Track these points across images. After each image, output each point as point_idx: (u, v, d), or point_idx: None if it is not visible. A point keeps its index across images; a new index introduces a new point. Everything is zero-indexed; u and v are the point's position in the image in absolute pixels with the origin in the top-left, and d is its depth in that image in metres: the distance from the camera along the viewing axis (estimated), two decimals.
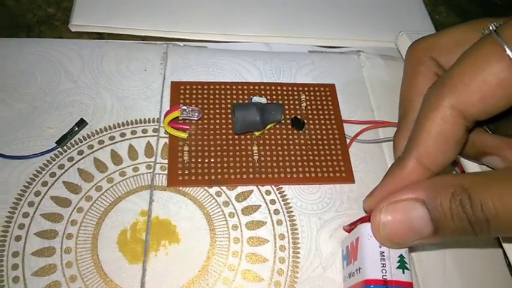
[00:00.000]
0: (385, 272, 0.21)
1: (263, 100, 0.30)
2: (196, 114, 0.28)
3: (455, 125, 0.20)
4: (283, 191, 0.28)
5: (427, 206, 0.19)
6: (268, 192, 0.28)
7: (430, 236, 0.20)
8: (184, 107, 0.28)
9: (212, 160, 0.28)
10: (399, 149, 0.25)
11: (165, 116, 0.28)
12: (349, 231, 0.27)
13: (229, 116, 0.30)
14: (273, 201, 0.28)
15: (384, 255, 0.21)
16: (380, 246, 0.21)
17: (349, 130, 0.31)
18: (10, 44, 0.32)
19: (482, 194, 0.18)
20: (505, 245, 0.26)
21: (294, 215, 0.27)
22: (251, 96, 0.31)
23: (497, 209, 0.18)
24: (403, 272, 0.21)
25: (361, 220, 0.25)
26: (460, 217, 0.19)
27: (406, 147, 0.22)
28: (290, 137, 0.30)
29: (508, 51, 0.19)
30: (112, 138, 0.29)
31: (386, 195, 0.22)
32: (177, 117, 0.28)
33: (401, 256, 0.22)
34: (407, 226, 0.20)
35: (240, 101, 0.31)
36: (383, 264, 0.21)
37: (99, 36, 0.34)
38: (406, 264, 0.22)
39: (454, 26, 0.25)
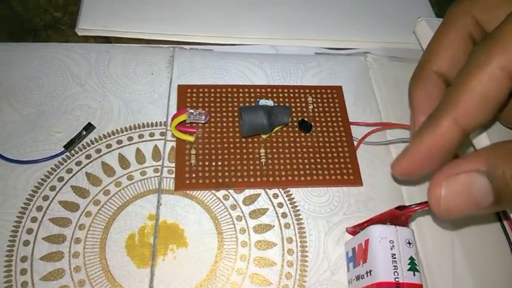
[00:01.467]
0: (397, 275, 0.21)
1: (270, 103, 0.30)
2: (204, 117, 0.28)
3: (502, 86, 0.19)
4: (291, 194, 0.28)
5: (488, 177, 0.19)
6: (275, 195, 0.28)
7: (490, 207, 0.19)
8: (192, 111, 0.28)
9: (219, 163, 0.28)
10: (416, 101, 0.24)
11: (172, 120, 0.28)
12: (353, 233, 0.26)
13: (236, 119, 0.30)
14: (280, 205, 0.28)
15: (395, 257, 0.21)
16: (391, 249, 0.21)
17: (357, 132, 0.31)
18: (17, 49, 0.32)
19: None
20: None
21: (301, 218, 0.27)
22: (258, 99, 0.31)
23: None
24: (414, 274, 0.21)
25: (369, 222, 0.25)
26: None
27: (442, 104, 0.21)
28: (297, 139, 0.30)
29: None
30: (119, 142, 0.29)
31: (419, 159, 0.21)
32: (184, 120, 0.28)
33: (411, 258, 0.21)
34: (469, 199, 0.19)
35: (247, 104, 0.31)
36: (395, 266, 0.21)
37: (106, 40, 0.34)
38: (417, 266, 0.22)
39: None
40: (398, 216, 0.23)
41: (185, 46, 0.34)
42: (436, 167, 0.21)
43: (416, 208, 0.22)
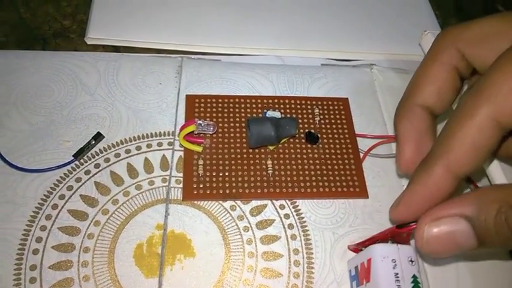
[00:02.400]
0: None
1: (277, 114, 0.30)
2: (212, 128, 0.29)
3: (492, 136, 0.20)
4: (297, 205, 0.28)
5: (471, 222, 0.19)
6: (282, 207, 0.28)
7: (473, 249, 0.20)
8: (200, 122, 0.28)
9: (227, 174, 0.28)
10: (401, 132, 0.25)
11: (180, 130, 0.28)
12: (355, 250, 0.27)
13: (244, 129, 0.30)
14: (287, 216, 0.28)
15: (398, 277, 0.21)
16: (394, 268, 0.22)
17: (362, 144, 0.31)
18: (26, 57, 0.32)
19: None
20: None
21: (308, 230, 0.27)
22: (265, 110, 0.31)
23: None
24: None
25: (370, 241, 0.25)
26: (505, 233, 0.18)
27: (433, 151, 0.21)
28: (304, 151, 0.30)
29: None
30: (128, 151, 0.29)
31: (414, 204, 0.21)
32: (193, 131, 0.28)
33: (414, 276, 0.22)
34: (451, 242, 0.20)
35: (254, 115, 0.31)
36: (398, 286, 0.21)
37: (115, 49, 0.34)
38: (420, 284, 0.22)
39: (485, 17, 0.24)
40: (400, 234, 0.23)
41: (193, 56, 0.34)
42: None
43: (415, 226, 0.22)
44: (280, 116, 0.30)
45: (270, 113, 0.30)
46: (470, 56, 0.24)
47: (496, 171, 0.28)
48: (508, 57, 0.20)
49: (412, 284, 0.22)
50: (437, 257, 0.21)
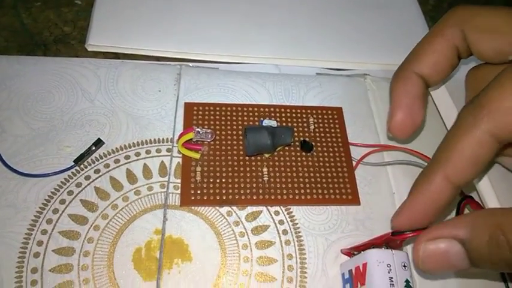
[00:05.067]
0: None
1: (273, 123, 0.31)
2: (209, 135, 0.29)
3: (490, 150, 0.21)
4: (291, 212, 0.29)
5: (464, 245, 0.20)
6: (277, 213, 0.29)
7: (466, 269, 0.21)
8: (198, 129, 0.29)
9: (223, 180, 0.29)
10: (395, 97, 0.27)
11: (179, 138, 0.29)
12: (348, 254, 0.28)
13: (240, 137, 0.31)
14: (281, 222, 0.29)
15: (392, 281, 0.22)
16: (389, 272, 0.22)
17: (355, 152, 0.32)
18: (27, 62, 0.33)
19: None
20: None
21: (301, 236, 0.28)
22: (262, 119, 0.32)
23: None
24: None
25: (365, 246, 0.26)
26: (497, 257, 0.19)
27: (434, 161, 0.23)
28: (299, 159, 0.31)
29: None
30: (127, 157, 0.30)
31: (415, 212, 0.23)
32: (191, 138, 0.29)
33: (407, 281, 0.23)
34: (445, 261, 0.21)
35: (251, 123, 0.32)
36: None
37: (115, 55, 0.35)
38: None
39: (496, 8, 0.25)
40: (394, 241, 0.24)
41: (191, 64, 0.35)
42: (433, 219, 0.23)
43: (411, 235, 0.23)
44: (276, 125, 0.31)
45: (267, 122, 0.31)
46: (472, 41, 0.25)
47: (484, 184, 0.29)
48: (509, 75, 0.21)
49: None
50: (432, 273, 0.22)
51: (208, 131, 0.30)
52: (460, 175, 0.22)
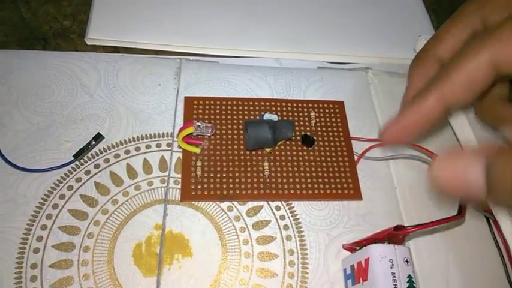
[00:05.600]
0: None
1: (274, 117, 0.31)
2: (210, 130, 0.29)
3: (488, 75, 0.22)
4: (293, 207, 0.29)
5: (485, 170, 0.20)
6: (278, 208, 0.29)
7: (479, 196, 0.20)
8: (199, 124, 0.29)
9: (224, 175, 0.29)
10: (413, 78, 0.27)
11: (179, 132, 0.29)
12: (350, 249, 0.27)
13: (241, 131, 0.31)
14: (282, 217, 0.29)
15: (395, 276, 0.22)
16: (391, 267, 0.22)
17: (357, 147, 0.32)
18: (27, 57, 0.32)
19: None
20: None
21: (303, 231, 0.28)
22: (262, 113, 0.31)
23: None
24: None
25: (367, 241, 0.26)
26: None
27: (432, 82, 0.23)
28: (300, 153, 0.31)
29: None
30: (127, 152, 0.29)
31: (406, 125, 0.24)
32: (191, 133, 0.29)
33: (409, 276, 0.22)
34: (462, 184, 0.20)
35: (252, 118, 0.31)
36: (395, 285, 0.22)
37: (115, 49, 0.34)
38: (414, 284, 0.23)
39: None
40: (396, 235, 0.24)
41: (191, 57, 0.35)
42: (417, 136, 0.25)
43: (413, 229, 0.23)
44: (277, 119, 0.31)
45: (267, 116, 0.31)
46: (491, 23, 0.25)
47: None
48: None
49: (408, 284, 0.22)
50: (443, 193, 0.22)
51: (209, 125, 0.29)
52: (455, 96, 0.23)
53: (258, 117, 0.32)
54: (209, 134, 0.30)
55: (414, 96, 0.24)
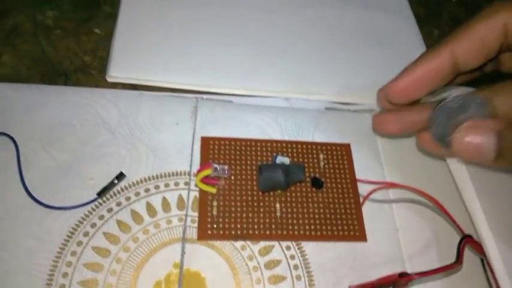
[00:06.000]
0: None
1: (286, 160, 0.33)
2: (227, 172, 0.31)
3: (498, 37, 0.24)
4: (302, 247, 0.31)
5: (499, 136, 0.23)
6: (288, 248, 0.31)
7: (489, 161, 0.24)
8: (216, 166, 0.31)
9: (238, 215, 0.31)
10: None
11: (197, 173, 0.31)
12: None
13: (254, 172, 0.32)
14: (292, 257, 0.30)
15: None
16: None
17: (362, 188, 0.34)
18: (50, 92, 0.34)
19: None
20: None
21: (311, 271, 0.30)
22: (275, 155, 0.33)
23: None
24: None
25: (373, 285, 0.27)
26: None
27: (445, 39, 0.25)
28: (309, 194, 0.32)
29: None
30: (147, 190, 0.31)
31: (414, 79, 0.26)
32: (209, 174, 0.31)
33: None
34: (476, 150, 0.24)
35: (264, 158, 0.33)
36: None
37: (133, 86, 0.36)
38: None
39: None
40: (400, 281, 0.26)
41: (205, 96, 0.36)
42: (423, 93, 0.27)
43: (417, 277, 0.25)
44: (288, 162, 0.33)
45: (280, 158, 0.33)
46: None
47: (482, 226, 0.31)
48: None
49: None
50: (464, 155, 0.26)
51: (226, 167, 0.31)
52: (465, 54, 0.25)
53: (270, 159, 0.33)
54: (225, 176, 0.31)
55: (425, 52, 0.26)
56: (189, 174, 0.32)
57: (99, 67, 0.37)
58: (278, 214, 0.31)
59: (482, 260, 0.32)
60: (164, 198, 0.31)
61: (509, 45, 0.24)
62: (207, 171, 0.30)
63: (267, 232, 0.30)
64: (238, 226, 0.30)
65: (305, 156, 0.34)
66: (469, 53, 0.25)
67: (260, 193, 0.32)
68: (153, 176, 0.31)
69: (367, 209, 0.33)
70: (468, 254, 0.32)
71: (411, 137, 0.36)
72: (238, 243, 0.30)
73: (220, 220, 0.30)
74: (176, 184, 0.32)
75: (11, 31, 0.38)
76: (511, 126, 0.24)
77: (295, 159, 0.34)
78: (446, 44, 0.25)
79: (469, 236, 0.31)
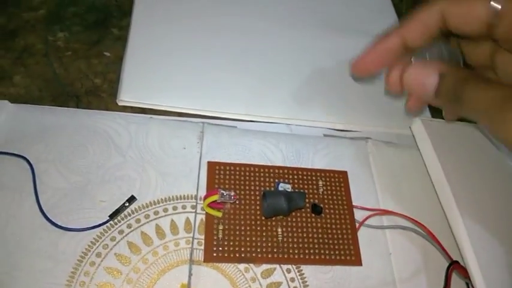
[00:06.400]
0: None
1: (288, 187, 0.35)
2: (232, 197, 0.33)
3: (436, 21, 0.30)
4: (301, 270, 0.33)
5: (441, 77, 0.29)
6: (288, 270, 0.32)
7: (430, 96, 0.30)
8: (222, 191, 0.32)
9: (242, 239, 0.32)
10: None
11: (204, 199, 0.32)
12: None
13: (258, 197, 0.34)
14: (292, 279, 0.32)
15: None
16: None
17: (357, 215, 0.36)
18: (62, 114, 0.35)
19: (471, 88, 0.27)
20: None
21: None
22: (277, 181, 0.35)
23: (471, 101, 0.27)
24: None
25: None
26: (452, 94, 0.28)
27: (396, 27, 0.32)
28: (309, 220, 0.34)
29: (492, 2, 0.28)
30: (156, 213, 0.32)
31: (374, 56, 0.33)
32: (215, 199, 0.32)
33: None
34: (419, 86, 0.30)
35: (267, 184, 0.35)
36: None
37: (142, 110, 0.37)
38: None
39: None
40: None
41: (211, 121, 0.38)
42: (382, 66, 0.34)
43: None
44: (290, 188, 0.35)
45: (282, 185, 0.35)
46: (448, 14, 0.31)
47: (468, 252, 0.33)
48: None
49: None
50: (409, 89, 0.32)
51: (232, 193, 0.33)
52: (411, 34, 0.31)
53: (273, 184, 0.35)
54: (231, 201, 0.33)
55: (381, 36, 0.32)
56: (196, 197, 0.34)
57: (109, 90, 0.38)
58: (280, 238, 0.33)
59: (467, 284, 0.35)
60: (172, 221, 0.32)
61: (448, 29, 0.30)
62: (214, 197, 0.32)
63: (269, 255, 0.32)
64: (242, 249, 0.32)
65: (305, 182, 0.36)
66: (414, 34, 0.31)
67: (263, 218, 0.33)
68: (161, 199, 0.33)
69: (362, 234, 0.35)
70: (455, 278, 0.34)
71: (405, 171, 0.38)
72: (242, 266, 0.32)
73: (225, 243, 0.32)
74: (183, 207, 0.33)
75: (22, 51, 0.39)
76: (455, 71, 0.29)
77: (296, 186, 0.36)
78: (395, 30, 0.32)
79: (457, 262, 0.34)
